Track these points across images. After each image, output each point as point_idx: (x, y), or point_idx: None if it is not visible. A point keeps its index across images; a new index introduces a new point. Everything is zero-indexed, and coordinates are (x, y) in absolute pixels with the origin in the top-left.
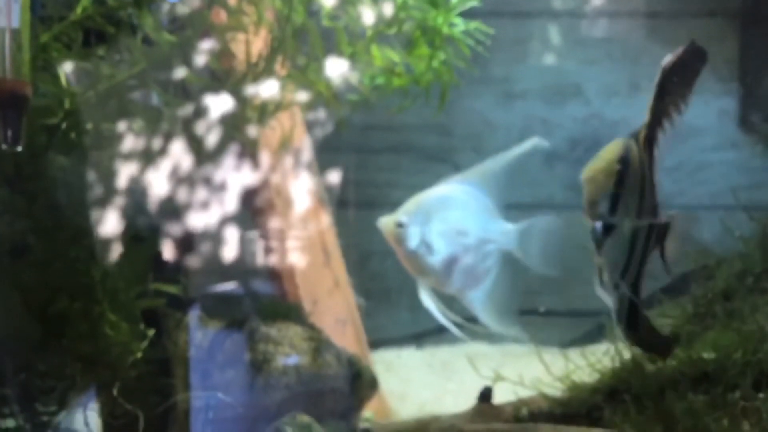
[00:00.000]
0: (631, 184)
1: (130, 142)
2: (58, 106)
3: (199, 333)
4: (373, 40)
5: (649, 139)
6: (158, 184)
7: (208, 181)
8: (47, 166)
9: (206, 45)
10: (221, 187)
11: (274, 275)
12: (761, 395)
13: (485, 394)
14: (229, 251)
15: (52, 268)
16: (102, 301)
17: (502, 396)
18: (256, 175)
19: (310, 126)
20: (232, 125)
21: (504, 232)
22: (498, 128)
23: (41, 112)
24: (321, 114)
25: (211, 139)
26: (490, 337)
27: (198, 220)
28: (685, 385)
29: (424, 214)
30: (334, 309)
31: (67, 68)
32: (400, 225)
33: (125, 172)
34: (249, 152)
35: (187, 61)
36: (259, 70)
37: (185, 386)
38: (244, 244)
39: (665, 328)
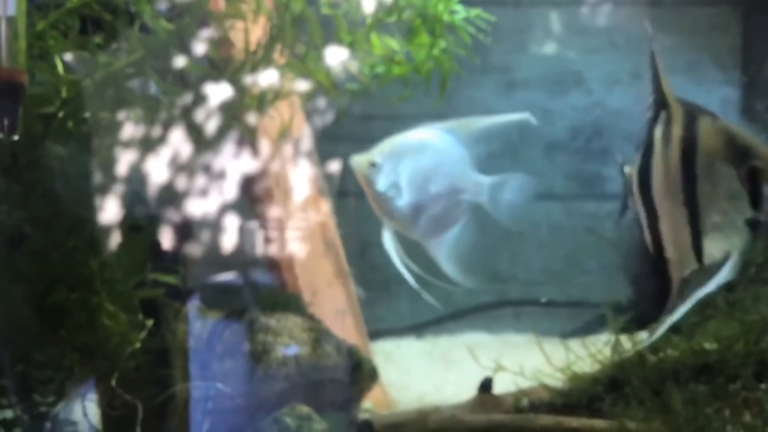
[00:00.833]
0: None
1: (128, 131)
2: (55, 94)
3: (198, 323)
4: (373, 29)
5: None
6: (156, 173)
7: (206, 171)
8: (44, 155)
9: (205, 33)
10: (220, 177)
11: (273, 265)
12: (763, 386)
13: (485, 385)
14: (228, 241)
15: (49, 258)
16: (100, 292)
17: (502, 386)
18: (255, 165)
19: (309, 115)
20: (231, 114)
21: (476, 183)
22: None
23: (38, 100)
24: (321, 103)
25: (210, 128)
26: (449, 291)
27: (197, 210)
28: (687, 376)
29: (397, 157)
30: (334, 299)
31: (64, 57)
32: (372, 165)
33: (123, 161)
34: (248, 141)
35: (186, 50)
36: (258, 59)
37: (184, 377)
38: (243, 234)
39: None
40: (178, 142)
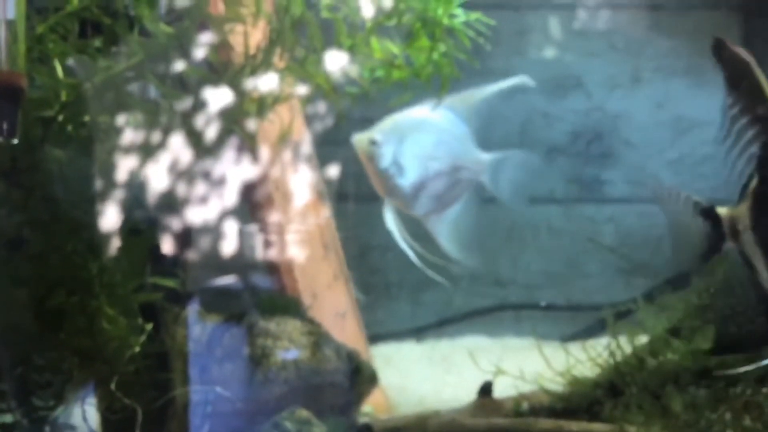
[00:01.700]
0: None
1: (127, 135)
2: (55, 98)
3: (198, 327)
4: (373, 32)
5: None
6: (156, 177)
7: (206, 175)
8: (43, 158)
9: (204, 37)
10: (219, 181)
11: (272, 269)
12: (764, 389)
13: (486, 389)
14: (228, 245)
15: (48, 261)
16: (99, 295)
17: (502, 390)
18: (254, 169)
19: (309, 119)
20: (231, 118)
21: (477, 161)
22: (498, 121)
23: (37, 104)
24: (321, 107)
25: (210, 132)
26: (450, 271)
27: (196, 214)
28: (687, 379)
29: (398, 135)
30: (333, 303)
31: (66, 60)
32: (373, 143)
33: (123, 165)
34: (248, 145)
35: (185, 53)
36: (258, 63)
37: (184, 381)
38: (243, 237)
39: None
40: (178, 146)
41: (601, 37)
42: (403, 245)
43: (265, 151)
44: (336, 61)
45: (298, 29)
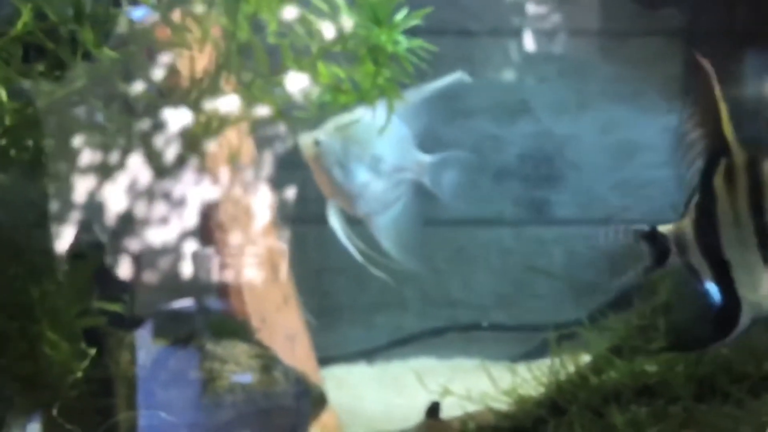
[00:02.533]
0: None
1: (72, 158)
2: None
3: (143, 351)
4: (319, 58)
5: None
6: (102, 199)
7: (154, 198)
8: None
9: (151, 61)
10: (168, 204)
11: (220, 292)
12: (702, 407)
13: (433, 409)
14: (176, 267)
15: None
16: (41, 320)
17: (450, 411)
18: (203, 192)
19: (261, 143)
20: (178, 142)
21: (418, 162)
22: (447, 145)
23: None
24: (272, 131)
25: (157, 155)
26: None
27: (144, 236)
28: (628, 397)
29: (342, 135)
30: (283, 326)
31: (10, 85)
32: (317, 143)
33: (67, 188)
34: (195, 168)
35: (131, 78)
36: (205, 87)
37: (128, 406)
38: (191, 260)
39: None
40: (124, 168)
41: (548, 62)
42: (347, 243)
43: (214, 175)
44: (283, 85)
45: (244, 54)
